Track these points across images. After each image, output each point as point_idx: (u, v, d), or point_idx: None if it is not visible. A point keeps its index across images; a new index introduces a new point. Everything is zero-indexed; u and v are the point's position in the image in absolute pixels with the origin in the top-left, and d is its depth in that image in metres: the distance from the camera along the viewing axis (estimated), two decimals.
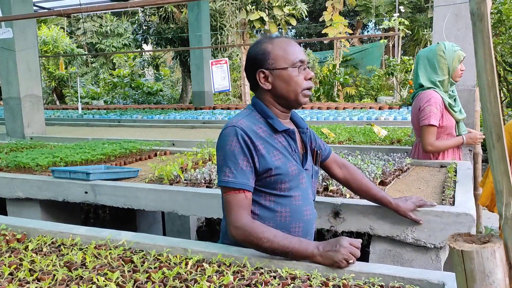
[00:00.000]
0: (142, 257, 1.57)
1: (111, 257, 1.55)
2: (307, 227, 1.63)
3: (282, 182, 1.56)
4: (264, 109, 1.61)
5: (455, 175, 2.43)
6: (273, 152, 1.55)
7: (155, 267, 1.46)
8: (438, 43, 2.91)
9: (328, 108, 9.28)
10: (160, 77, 21.44)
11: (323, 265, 1.39)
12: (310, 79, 1.59)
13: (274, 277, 1.36)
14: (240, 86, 18.48)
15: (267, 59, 1.56)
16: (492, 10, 6.06)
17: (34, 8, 10.74)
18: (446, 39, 3.15)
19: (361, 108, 9.09)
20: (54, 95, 18.52)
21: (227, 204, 1.51)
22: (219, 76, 3.89)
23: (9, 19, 4.86)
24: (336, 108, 9.22)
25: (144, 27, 14.64)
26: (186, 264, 1.47)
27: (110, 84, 18.76)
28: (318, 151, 1.75)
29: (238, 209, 1.49)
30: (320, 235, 3.17)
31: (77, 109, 11.39)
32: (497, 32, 6.52)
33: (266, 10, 18.38)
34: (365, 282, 1.32)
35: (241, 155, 1.50)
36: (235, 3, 14.81)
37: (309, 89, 1.59)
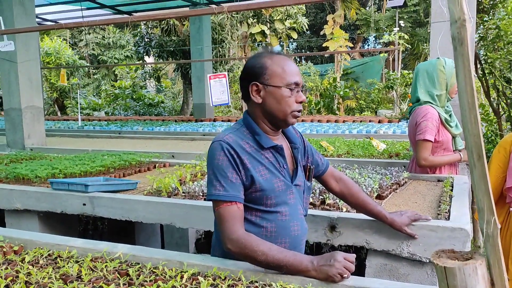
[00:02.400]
0: (138, 270, 1.57)
1: (107, 270, 1.56)
2: (295, 242, 1.63)
3: (267, 198, 1.57)
4: (252, 125, 1.62)
5: (451, 190, 2.44)
6: (258, 167, 1.56)
7: (150, 280, 1.46)
8: (438, 58, 2.94)
9: (328, 121, 9.32)
10: (161, 89, 21.54)
11: (317, 280, 1.39)
12: (301, 102, 1.60)
13: None
14: (241, 98, 18.55)
15: (264, 74, 1.57)
16: (490, 26, 6.12)
17: (37, 20, 10.88)
18: (442, 55, 3.18)
19: (361, 121, 9.13)
20: (56, 106, 18.61)
21: (221, 218, 1.51)
22: (217, 90, 3.92)
23: (13, 32, 4.93)
24: (336, 121, 9.25)
25: (146, 40, 14.78)
26: (182, 277, 1.47)
27: (112, 96, 18.86)
28: (311, 167, 1.75)
29: (232, 221, 1.49)
30: (318, 248, 3.16)
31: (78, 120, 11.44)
32: (496, 47, 6.58)
33: (268, 24, 18.58)
34: None
35: (229, 167, 1.51)
36: (237, 17, 14.96)
37: (298, 111, 1.60)
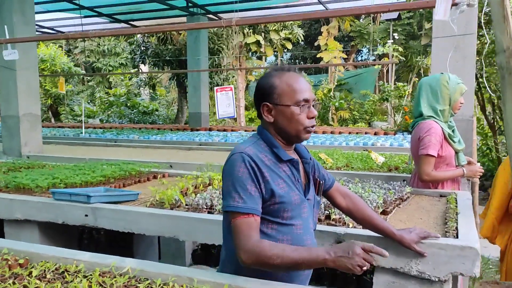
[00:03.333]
0: (148, 286, 1.56)
1: (116, 286, 1.54)
2: None
3: (285, 210, 1.58)
4: (269, 138, 1.64)
5: (456, 206, 2.45)
6: (277, 180, 1.57)
7: None
8: (442, 73, 2.97)
9: (324, 132, 9.35)
10: (155, 97, 21.49)
11: (336, 269, 1.39)
12: (313, 117, 1.61)
13: None
14: (236, 108, 18.57)
15: (273, 94, 1.60)
16: (486, 40, 6.22)
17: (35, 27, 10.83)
18: (444, 70, 3.22)
19: (357, 133, 9.18)
20: (50, 112, 18.48)
21: (237, 229, 1.50)
22: (224, 103, 3.93)
23: (15, 41, 4.91)
24: (332, 133, 9.29)
25: (142, 48, 14.76)
26: None
27: (106, 103, 18.76)
28: (321, 182, 1.77)
29: (248, 232, 1.48)
30: None
31: (74, 127, 11.39)
32: (491, 62, 6.68)
33: (263, 34, 18.67)
34: None
35: (249, 180, 1.52)
36: (233, 27, 15.02)
37: (312, 126, 1.62)
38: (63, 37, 4.15)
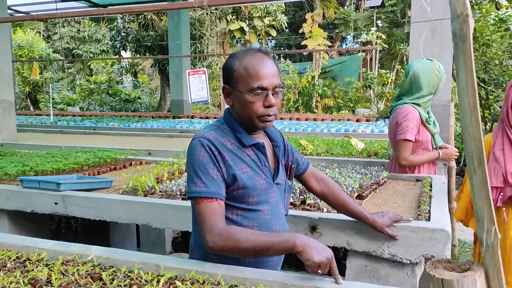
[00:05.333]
0: (112, 274, 1.50)
1: (78, 274, 1.48)
2: None
3: (249, 195, 1.54)
4: (233, 122, 1.58)
5: (431, 190, 2.45)
6: (240, 165, 1.53)
7: (125, 285, 1.40)
8: (432, 60, 2.92)
9: (306, 119, 9.33)
10: (138, 85, 21.18)
11: (298, 256, 1.35)
12: (270, 106, 1.51)
13: None
14: (220, 95, 18.45)
15: (231, 77, 1.54)
16: None
17: (9, 11, 10.52)
18: (422, 55, 3.19)
19: (339, 120, 9.17)
20: (28, 100, 18.07)
21: (201, 215, 1.45)
22: (196, 86, 3.83)
23: None
24: (314, 120, 9.27)
25: (123, 34, 14.48)
26: (158, 281, 1.41)
27: (87, 91, 18.41)
28: (293, 166, 1.73)
29: (213, 217, 1.44)
30: None
31: (53, 115, 11.12)
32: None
33: (247, 21, 18.48)
34: None
35: (210, 164, 1.47)
36: (216, 13, 14.82)
37: (267, 115, 1.51)
38: (30, 18, 4.00)
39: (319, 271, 1.34)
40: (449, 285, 0.64)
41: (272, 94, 1.51)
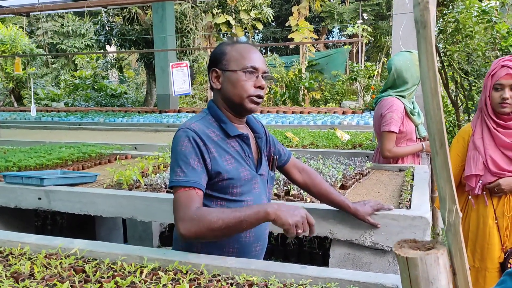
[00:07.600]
0: (95, 266, 1.50)
1: (61, 267, 1.48)
2: (259, 232, 1.62)
3: (233, 186, 1.54)
4: (218, 113, 1.60)
5: (412, 179, 2.49)
6: (225, 156, 1.54)
7: (108, 277, 1.40)
8: (411, 51, 2.95)
9: (293, 112, 9.35)
10: (124, 79, 20.99)
11: (273, 223, 1.36)
12: (260, 87, 1.56)
13: (232, 284, 1.34)
14: (207, 90, 18.39)
15: (222, 60, 1.57)
16: (449, 19, 6.29)
17: None
18: (404, 47, 3.23)
19: (326, 112, 9.22)
20: (12, 96, 17.77)
21: (176, 202, 1.44)
22: (179, 79, 3.82)
23: None
24: (301, 112, 9.30)
25: (107, 28, 14.30)
26: (141, 272, 1.42)
27: (72, 86, 18.18)
28: (275, 157, 1.75)
29: (187, 204, 1.41)
30: (283, 239, 3.17)
31: (37, 111, 10.96)
32: (454, 40, 6.77)
33: (233, 14, 18.40)
34: (322, 287, 1.32)
35: (192, 154, 1.47)
36: (201, 6, 14.72)
37: (257, 96, 1.56)
38: (9, 11, 3.92)
39: (299, 231, 1.35)
40: (413, 263, 0.67)
41: (263, 77, 1.57)
